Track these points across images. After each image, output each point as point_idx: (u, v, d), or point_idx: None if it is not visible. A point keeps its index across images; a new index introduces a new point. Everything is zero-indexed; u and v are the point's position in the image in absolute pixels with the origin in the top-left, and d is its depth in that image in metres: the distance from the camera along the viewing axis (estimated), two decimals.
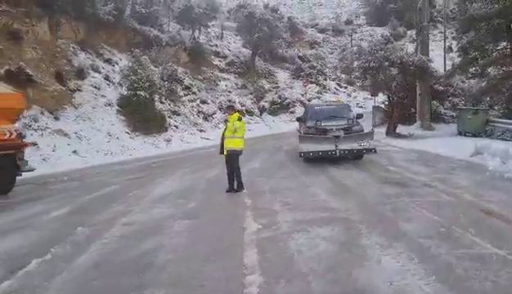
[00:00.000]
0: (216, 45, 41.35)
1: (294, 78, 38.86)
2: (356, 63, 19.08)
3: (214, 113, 30.24)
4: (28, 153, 16.21)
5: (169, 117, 26.09)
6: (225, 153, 8.73)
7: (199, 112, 29.33)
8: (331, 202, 7.14)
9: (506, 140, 15.42)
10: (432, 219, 5.80)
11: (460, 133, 17.65)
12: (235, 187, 8.67)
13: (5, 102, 10.43)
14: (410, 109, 21.86)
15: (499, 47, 17.83)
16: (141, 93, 22.45)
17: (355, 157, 12.29)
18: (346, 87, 41.43)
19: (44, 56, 21.93)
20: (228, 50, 40.92)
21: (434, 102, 24.97)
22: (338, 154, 11.57)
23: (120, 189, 9.96)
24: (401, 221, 5.75)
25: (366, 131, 12.45)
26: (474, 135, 16.73)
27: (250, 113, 32.27)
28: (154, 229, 6.12)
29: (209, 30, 47.24)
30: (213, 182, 9.85)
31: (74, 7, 25.89)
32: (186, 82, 30.93)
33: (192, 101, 29.92)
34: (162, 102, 27.15)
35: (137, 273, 4.45)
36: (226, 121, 8.70)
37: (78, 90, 22.52)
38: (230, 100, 31.95)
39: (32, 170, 11.59)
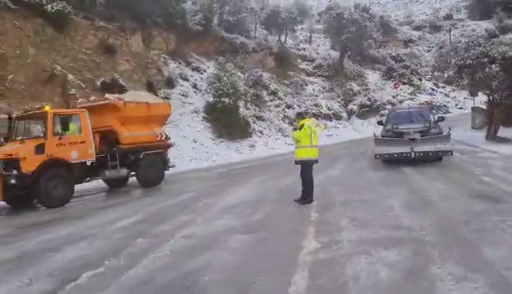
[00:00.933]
0: (304, 49, 40.90)
1: (385, 79, 37.04)
2: (452, 61, 17.31)
3: None
4: None
5: (254, 122, 26.21)
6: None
7: (284, 117, 29.10)
8: (405, 218, 6.35)
9: None
10: None
11: None
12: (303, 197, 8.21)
13: (158, 110, 13.53)
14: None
15: None
16: (226, 100, 22.78)
17: (433, 159, 12.31)
18: (444, 87, 38.55)
19: (136, 67, 23.20)
20: (316, 53, 40.23)
21: None
22: (413, 156, 11.85)
23: (193, 197, 9.99)
24: (484, 246, 4.85)
25: (442, 134, 12.33)
26: None
27: (338, 116, 31.33)
28: (210, 243, 5.88)
29: (298, 34, 47.13)
30: (285, 191, 9.44)
31: (164, 19, 27.15)
32: (272, 87, 30.91)
33: (278, 106, 29.79)
34: (247, 108, 27.37)
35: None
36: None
37: (167, 98, 23.36)
38: (316, 105, 31.38)
39: (173, 166, 14.02)
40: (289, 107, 30.13)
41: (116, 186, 12.88)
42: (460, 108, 34.59)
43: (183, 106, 23.71)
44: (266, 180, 12.13)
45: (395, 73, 36.46)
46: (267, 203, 8.52)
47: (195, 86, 26.22)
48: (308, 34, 45.57)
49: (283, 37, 36.56)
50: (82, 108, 11.88)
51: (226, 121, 22.97)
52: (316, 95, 32.90)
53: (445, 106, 34.78)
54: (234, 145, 22.69)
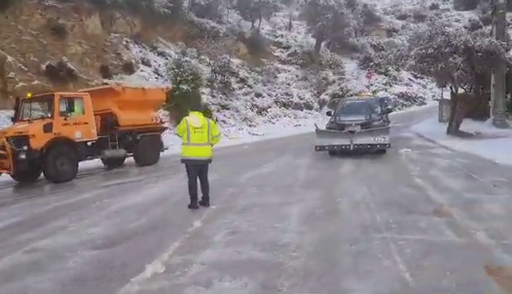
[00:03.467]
0: (281, 36, 39.74)
1: (361, 69, 36.02)
2: (414, 50, 16.29)
3: (269, 107, 28.76)
4: None
5: (218, 111, 25.11)
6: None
7: (253, 106, 28.04)
8: (291, 233, 5.38)
9: None
10: (398, 276, 3.88)
11: None
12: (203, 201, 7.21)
13: (153, 95, 14.66)
14: (480, 102, 18.66)
15: None
16: (184, 86, 21.61)
17: (373, 151, 12.38)
18: (422, 78, 37.64)
19: (90, 51, 21.93)
20: (295, 40, 39.07)
21: None
22: (352, 148, 12.04)
23: (96, 196, 8.86)
24: (349, 278, 3.89)
25: (381, 127, 12.35)
26: None
27: (309, 106, 30.31)
28: (49, 261, 4.86)
29: (278, 20, 45.89)
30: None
31: (128, 1, 25.82)
32: (242, 74, 29.79)
33: (246, 94, 28.72)
34: (213, 96, 26.27)
35: None
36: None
37: None
38: (287, 94, 30.34)
39: (167, 148, 14.95)
40: (258, 95, 29.06)
41: (113, 166, 13.79)
42: (437, 99, 33.68)
43: None
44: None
45: (371, 63, 35.40)
46: (165, 205, 7.51)
47: (156, 71, 25.02)
48: (288, 21, 44.40)
49: (257, 23, 35.30)
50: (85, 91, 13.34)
51: (185, 109, 21.77)
52: (289, 84, 31.88)
53: (421, 97, 33.94)
54: None
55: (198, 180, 7.16)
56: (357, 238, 4.98)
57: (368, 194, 7.29)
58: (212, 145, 7.30)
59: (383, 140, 11.85)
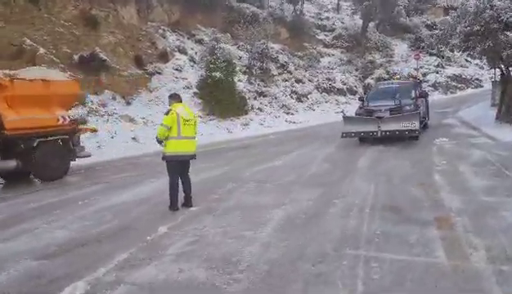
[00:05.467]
0: (327, 18, 38.18)
1: (412, 50, 33.78)
2: (458, 28, 14.72)
3: (310, 93, 27.65)
4: (84, 138, 16.18)
5: (255, 98, 24.42)
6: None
7: (292, 92, 27.05)
8: (255, 244, 4.65)
9: None
10: None
11: None
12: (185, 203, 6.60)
13: (61, 88, 10.87)
14: None
15: None
16: (217, 74, 21.07)
17: (404, 138, 11.84)
18: (480, 59, 34.77)
19: (124, 41, 21.89)
20: (342, 22, 37.40)
21: None
22: (379, 135, 11.60)
23: (87, 194, 8.35)
24: None
25: (410, 113, 11.77)
26: None
27: (353, 91, 28.81)
28: None
29: (326, 2, 44.25)
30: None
31: None
32: (282, 59, 28.77)
33: (286, 81, 27.73)
34: (251, 83, 25.60)
35: None
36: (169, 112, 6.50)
37: (158, 73, 22.12)
38: (329, 79, 29.03)
39: (88, 156, 11.77)
40: (298, 81, 28.00)
41: (17, 179, 10.11)
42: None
43: (175, 81, 22.29)
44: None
45: (423, 44, 33.06)
46: (147, 204, 6.94)
47: (192, 59, 24.68)
48: (336, 2, 42.69)
49: (300, 6, 34.02)
50: None
51: (218, 97, 21.32)
52: (332, 69, 30.46)
53: (477, 79, 31.36)
54: (225, 124, 21.07)
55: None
56: (325, 255, 4.17)
57: (370, 195, 6.38)
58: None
59: (412, 125, 11.28)
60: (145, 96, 20.27)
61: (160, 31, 25.18)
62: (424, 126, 14.26)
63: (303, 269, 3.89)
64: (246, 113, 22.60)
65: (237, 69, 23.65)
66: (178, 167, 6.47)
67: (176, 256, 4.49)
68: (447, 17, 42.23)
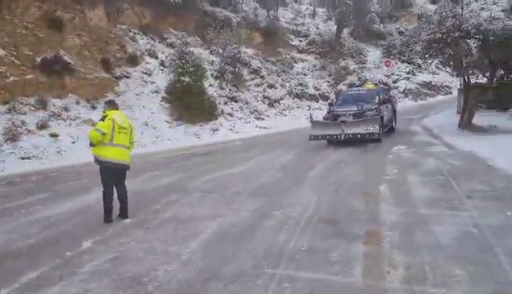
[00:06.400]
0: (302, 24, 38.30)
1: (385, 57, 34.10)
2: (422, 35, 14.81)
3: (282, 99, 27.59)
4: (43, 144, 15.74)
5: (225, 103, 24.22)
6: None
7: (264, 97, 26.95)
8: (175, 262, 4.43)
9: None
10: None
11: None
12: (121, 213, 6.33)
13: None
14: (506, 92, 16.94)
15: None
16: (185, 78, 20.81)
17: (368, 140, 12.59)
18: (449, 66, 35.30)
19: (91, 43, 21.44)
20: (317, 28, 37.56)
21: None
22: (343, 138, 12.49)
23: (28, 204, 8.03)
24: None
25: (372, 117, 12.73)
26: None
27: (325, 97, 28.85)
28: None
29: (302, 8, 44.52)
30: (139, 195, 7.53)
31: None
32: (254, 64, 28.67)
33: (258, 86, 27.63)
34: (222, 88, 25.40)
35: None
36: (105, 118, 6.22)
37: (126, 77, 21.75)
38: (302, 84, 29.03)
39: None
40: (271, 87, 27.93)
41: None
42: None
43: (144, 86, 21.97)
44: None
45: (395, 51, 33.39)
46: (81, 217, 6.66)
47: (162, 63, 24.35)
48: (312, 8, 42.95)
49: (274, 11, 34.03)
50: None
51: (187, 102, 21.04)
52: (305, 74, 30.49)
53: (447, 86, 31.79)
54: (193, 129, 20.79)
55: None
56: (242, 274, 3.98)
57: (311, 206, 6.23)
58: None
59: (373, 129, 12.23)
60: None
61: (130, 34, 24.81)
62: (391, 130, 15.35)
63: (213, 290, 3.70)
64: (216, 119, 22.38)
65: (207, 73, 23.42)
66: (112, 175, 6.21)
67: (89, 274, 4.24)
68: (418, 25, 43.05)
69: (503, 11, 39.39)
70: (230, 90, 25.66)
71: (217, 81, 25.50)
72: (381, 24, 39.93)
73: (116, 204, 6.24)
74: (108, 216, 6.14)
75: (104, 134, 6.03)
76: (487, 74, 15.78)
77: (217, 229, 5.46)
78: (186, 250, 4.75)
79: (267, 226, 5.45)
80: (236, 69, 26.90)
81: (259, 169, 10.04)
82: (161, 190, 8.11)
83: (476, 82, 15.46)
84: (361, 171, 8.96)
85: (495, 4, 47.82)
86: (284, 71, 29.91)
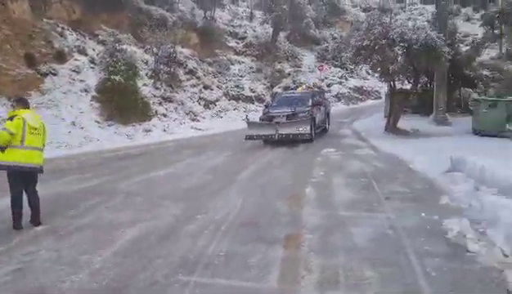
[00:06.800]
0: (240, 26, 38.36)
1: (319, 61, 34.99)
2: (352, 41, 15.26)
3: (218, 100, 27.44)
4: None
5: (159, 104, 23.66)
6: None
7: (200, 98, 26.65)
8: (81, 273, 4.15)
9: None
10: None
11: (474, 132, 13.64)
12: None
13: None
14: (429, 98, 17.95)
15: None
16: (117, 77, 20.08)
17: (301, 142, 13.28)
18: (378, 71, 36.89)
19: (13, 37, 20.09)
20: (254, 31, 37.77)
21: (468, 90, 20.88)
22: (277, 138, 13.17)
23: None
24: None
25: (303, 119, 13.46)
26: (492, 135, 12.83)
27: (261, 99, 29.06)
28: None
29: (240, 10, 44.63)
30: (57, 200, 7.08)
31: None
32: (191, 65, 28.29)
33: (194, 86, 27.28)
34: (157, 88, 24.79)
35: None
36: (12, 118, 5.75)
37: (53, 74, 20.59)
38: (238, 86, 29.04)
39: None
40: (207, 88, 27.69)
41: None
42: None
43: (72, 84, 20.87)
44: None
45: (329, 56, 34.35)
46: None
47: (93, 61, 23.33)
48: (249, 10, 43.11)
49: (212, 12, 33.80)
50: None
51: (119, 102, 20.29)
52: (241, 76, 30.53)
53: (376, 91, 33.20)
54: (125, 130, 20.07)
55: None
56: (153, 284, 3.81)
57: (236, 210, 6.14)
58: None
59: (304, 130, 13.02)
60: (36, 99, 18.70)
61: (58, 29, 23.54)
62: (324, 131, 16.41)
63: None
64: (149, 119, 21.78)
65: (141, 72, 22.79)
66: (21, 179, 5.75)
67: None
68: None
69: (427, 21, 41.81)
70: (165, 90, 25.13)
71: (152, 80, 24.86)
72: (316, 30, 40.98)
73: (28, 210, 5.80)
74: (17, 223, 5.69)
75: (12, 134, 5.57)
76: (412, 81, 16.60)
77: (135, 236, 5.21)
78: (98, 258, 4.48)
79: (187, 231, 5.29)
80: (172, 69, 26.40)
81: (189, 171, 9.84)
82: (82, 194, 7.68)
83: (401, 88, 16.18)
84: (290, 173, 9.02)
85: (421, 15, 50.72)
86: (220, 72, 29.78)
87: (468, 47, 20.24)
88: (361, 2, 61.51)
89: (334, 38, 40.04)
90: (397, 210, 5.82)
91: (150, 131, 21.00)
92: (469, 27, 38.69)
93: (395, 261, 4.05)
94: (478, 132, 13.44)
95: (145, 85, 23.85)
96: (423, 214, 5.53)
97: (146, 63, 25.67)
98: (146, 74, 24.69)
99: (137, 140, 19.43)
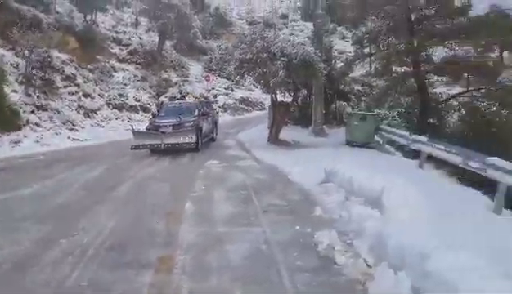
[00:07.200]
0: (124, 32, 36.95)
1: (206, 72, 35.08)
2: (235, 54, 15.44)
3: (99, 109, 25.95)
4: None
5: (32, 112, 21.61)
6: None
7: (79, 107, 24.94)
8: None
9: (390, 152, 12.68)
10: None
11: (347, 143, 14.65)
12: None
13: None
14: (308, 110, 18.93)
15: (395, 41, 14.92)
16: None
17: (187, 154, 13.45)
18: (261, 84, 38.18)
19: None
20: (139, 38, 36.61)
21: (343, 103, 22.36)
22: (163, 147, 13.30)
23: None
24: None
25: (188, 129, 13.69)
26: (362, 146, 13.91)
27: (146, 109, 28.17)
28: None
29: (125, 16, 43.12)
30: None
31: None
32: (68, 71, 26.38)
33: (73, 94, 25.45)
34: (29, 94, 22.61)
35: None
36: None
37: None
38: (122, 95, 27.80)
39: None
40: (87, 96, 26.02)
41: None
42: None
43: None
44: None
45: (215, 67, 34.54)
46: None
47: None
48: (135, 17, 41.77)
49: (92, 16, 32.06)
50: None
51: None
52: (125, 84, 29.30)
53: (261, 103, 34.26)
54: None
55: None
56: None
57: (106, 230, 5.71)
58: None
59: (189, 139, 13.32)
60: None
61: None
62: (211, 140, 16.87)
63: None
64: (19, 129, 19.71)
65: (9, 77, 20.63)
66: None
67: None
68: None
69: (308, 38, 44.42)
70: (38, 97, 23.03)
71: (23, 86, 22.64)
72: (204, 40, 41.16)
73: None
74: None
75: None
76: (292, 94, 17.35)
77: None
78: None
79: (48, 258, 4.75)
80: (47, 75, 24.33)
81: (60, 187, 9.00)
82: None
83: (282, 101, 16.77)
84: (171, 187, 8.74)
85: (301, 31, 53.79)
86: (102, 80, 28.27)
87: (342, 64, 21.73)
88: (247, 16, 63.63)
89: (221, 49, 40.53)
90: (273, 223, 5.90)
91: (19, 142, 18.98)
92: (344, 45, 41.98)
93: (266, 279, 4.03)
94: (350, 143, 14.43)
95: (14, 91, 21.62)
96: (297, 227, 5.67)
97: (17, 67, 23.34)
98: (16, 80, 22.41)
99: (3, 152, 17.45)
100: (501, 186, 6.71)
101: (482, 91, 15.16)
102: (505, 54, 18.64)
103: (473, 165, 7.67)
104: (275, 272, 4.20)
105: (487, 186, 7.69)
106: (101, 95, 26.96)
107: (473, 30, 13.91)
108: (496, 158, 7.04)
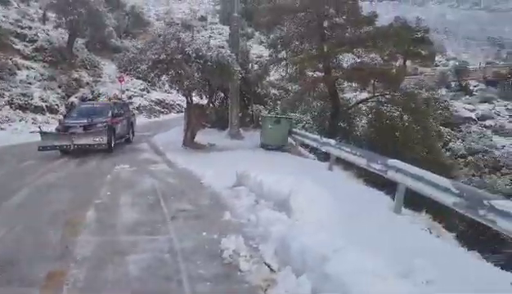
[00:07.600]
0: (30, 27, 34.37)
1: (121, 72, 33.70)
2: (148, 54, 14.90)
3: (0, 110, 23.88)
4: None
5: None
6: None
7: None
8: None
9: (303, 155, 13.03)
10: None
11: (262, 146, 14.79)
12: None
13: None
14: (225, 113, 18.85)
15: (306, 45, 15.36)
16: None
17: (98, 155, 13.35)
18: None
19: None
20: (47, 34, 34.23)
21: (259, 107, 22.59)
22: (72, 148, 13.10)
23: None
24: None
25: (99, 130, 13.57)
26: (277, 149, 14.13)
27: (53, 110, 26.39)
28: None
29: (31, 11, 40.19)
30: None
31: None
32: None
33: None
34: None
35: None
36: None
37: None
38: (25, 94, 25.81)
39: None
40: None
41: None
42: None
43: None
44: None
45: (130, 67, 33.36)
46: None
47: None
48: (42, 12, 39.02)
49: None
50: None
51: None
52: (30, 83, 27.24)
53: (179, 105, 33.72)
54: None
55: None
56: None
57: None
58: None
59: (101, 140, 13.23)
60: None
61: None
62: (127, 141, 17.04)
63: None
64: None
65: None
66: None
67: None
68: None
69: (227, 41, 44.61)
70: None
71: None
72: (119, 39, 39.63)
73: None
74: None
75: None
76: (208, 96, 17.19)
77: None
78: None
79: None
80: None
81: None
82: None
83: (198, 103, 16.55)
84: (73, 194, 8.14)
85: (220, 34, 53.89)
86: (3, 78, 26.02)
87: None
88: (165, 17, 62.48)
89: (135, 49, 39.28)
90: (180, 230, 5.69)
91: None
92: (261, 50, 42.64)
93: (165, 291, 3.82)
94: (265, 146, 14.57)
95: None
96: (204, 233, 5.51)
97: None
98: None
99: None
100: (401, 187, 7.08)
101: (387, 96, 16.12)
102: (408, 63, 20.03)
103: (376, 167, 8.04)
104: (175, 283, 4.01)
105: (389, 186, 8.12)
106: (1, 95, 24.82)
107: (378, 39, 14.76)
108: (396, 160, 7.42)
